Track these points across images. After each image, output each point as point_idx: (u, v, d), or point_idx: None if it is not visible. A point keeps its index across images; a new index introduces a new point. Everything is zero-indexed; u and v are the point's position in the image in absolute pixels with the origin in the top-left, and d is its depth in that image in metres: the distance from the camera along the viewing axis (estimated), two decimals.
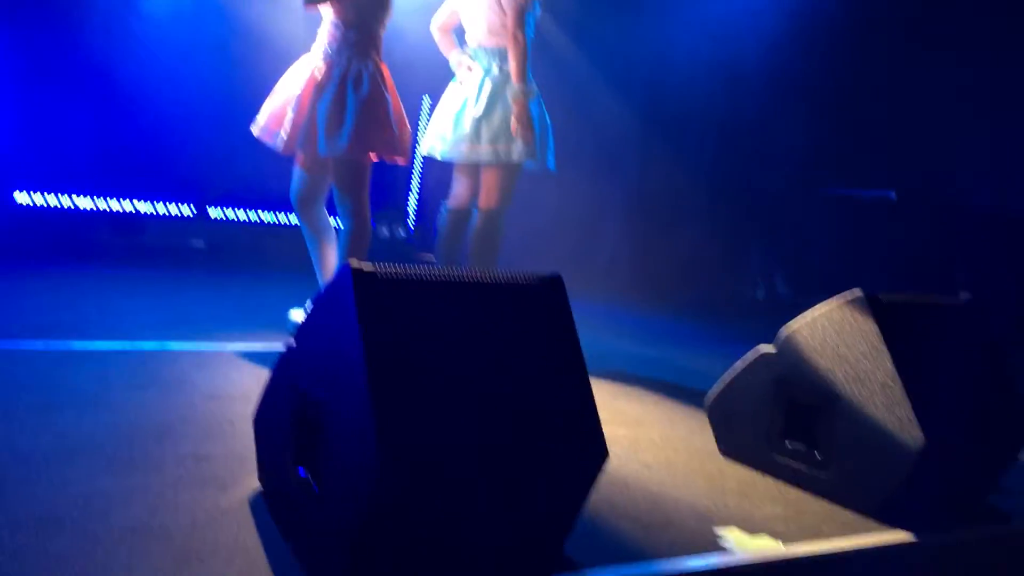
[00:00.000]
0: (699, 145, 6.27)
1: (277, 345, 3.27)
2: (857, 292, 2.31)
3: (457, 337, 1.80)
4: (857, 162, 5.96)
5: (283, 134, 3.27)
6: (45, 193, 5.21)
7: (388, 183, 6.29)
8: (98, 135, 5.15)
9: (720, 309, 5.80)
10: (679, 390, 3.39)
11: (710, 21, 5.89)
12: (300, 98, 3.26)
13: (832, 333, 2.31)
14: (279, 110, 3.33)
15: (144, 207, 5.53)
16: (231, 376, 2.82)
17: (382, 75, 3.31)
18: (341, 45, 3.25)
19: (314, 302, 1.97)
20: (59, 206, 5.25)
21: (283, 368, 2.00)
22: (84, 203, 5.31)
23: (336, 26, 3.27)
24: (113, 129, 5.17)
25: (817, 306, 2.38)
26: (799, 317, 2.41)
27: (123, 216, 5.47)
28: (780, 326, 2.44)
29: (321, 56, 3.29)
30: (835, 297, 2.35)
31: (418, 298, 1.80)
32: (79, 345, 2.96)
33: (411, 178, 6.49)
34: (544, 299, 1.95)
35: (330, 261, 3.49)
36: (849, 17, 5.80)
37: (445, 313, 1.82)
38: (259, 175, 5.16)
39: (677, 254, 6.16)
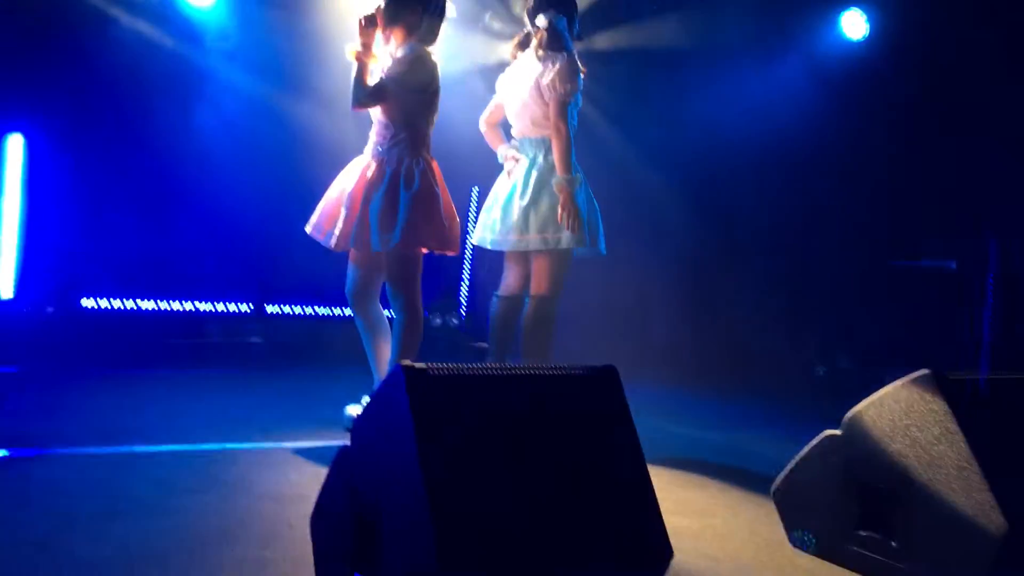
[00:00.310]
0: (751, 220, 6.23)
1: (335, 442, 3.27)
2: (924, 371, 2.23)
3: (512, 433, 1.78)
4: (916, 232, 5.85)
5: (336, 232, 3.35)
6: (111, 298, 5.39)
7: (440, 273, 6.36)
8: (159, 240, 5.33)
9: (781, 388, 5.66)
10: (743, 476, 3.29)
11: (755, 96, 5.93)
12: (352, 196, 3.35)
13: (901, 414, 2.23)
14: (332, 209, 3.42)
15: (204, 306, 5.67)
16: (290, 476, 2.82)
17: (432, 171, 3.39)
18: (391, 144, 3.35)
19: (369, 401, 1.97)
20: (123, 308, 5.42)
21: (339, 468, 1.99)
22: (147, 305, 5.47)
23: (386, 126, 3.37)
24: (173, 233, 5.36)
25: (885, 387, 2.31)
26: (866, 399, 2.33)
27: (184, 316, 5.61)
28: (844, 405, 2.37)
29: (372, 155, 3.39)
30: (903, 378, 2.28)
31: (471, 394, 1.79)
32: (141, 449, 3.00)
33: (463, 268, 6.56)
34: (599, 390, 1.93)
35: (385, 354, 3.52)
36: (907, 84, 5.79)
37: (499, 408, 1.80)
38: (315, 272, 5.27)
39: (733, 332, 6.06)
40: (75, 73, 5.09)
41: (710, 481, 3.20)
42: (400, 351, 3.39)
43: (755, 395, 5.39)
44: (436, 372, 1.73)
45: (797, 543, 2.46)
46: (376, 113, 3.41)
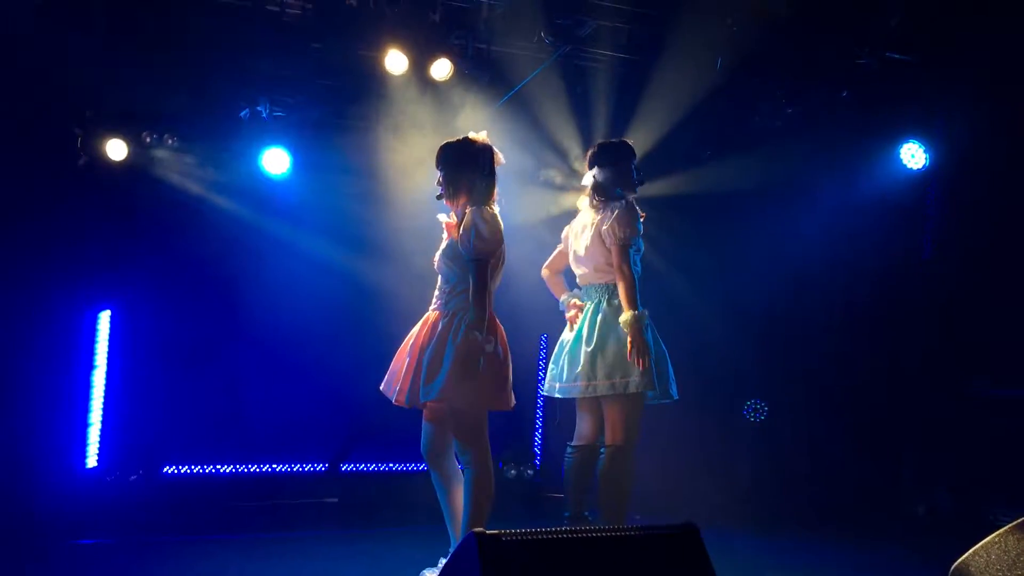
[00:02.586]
0: (826, 353, 6.08)
1: None
2: None
3: None
4: (1008, 358, 5.62)
5: (397, 386, 3.38)
6: (191, 465, 5.48)
7: (513, 423, 6.30)
8: (236, 406, 5.46)
9: (878, 532, 5.33)
10: None
11: (820, 225, 5.91)
12: (412, 349, 3.41)
13: (1010, 566, 2.06)
14: (398, 365, 3.47)
15: (280, 468, 5.71)
16: None
17: (493, 325, 3.41)
18: (450, 296, 3.41)
19: (442, 569, 1.91)
20: (202, 472, 5.50)
21: None
22: (225, 468, 5.54)
23: (447, 279, 3.45)
24: (250, 398, 5.48)
25: (992, 534, 2.15)
26: (972, 548, 2.17)
27: (260, 478, 5.65)
28: (948, 547, 2.20)
29: (434, 308, 3.45)
30: (1011, 523, 2.12)
31: (545, 558, 1.72)
32: None
33: (536, 417, 6.50)
34: (679, 549, 1.84)
35: (459, 508, 3.45)
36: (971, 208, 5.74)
37: (574, 572, 1.73)
38: (391, 428, 5.28)
39: (820, 472, 5.80)
40: (160, 249, 5.40)
41: None
42: (471, 509, 3.32)
43: (851, 540, 5.07)
44: (509, 538, 1.68)
45: None
46: (441, 266, 3.50)
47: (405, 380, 3.38)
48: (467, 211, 3.43)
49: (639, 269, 3.75)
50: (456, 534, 3.45)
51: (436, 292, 3.50)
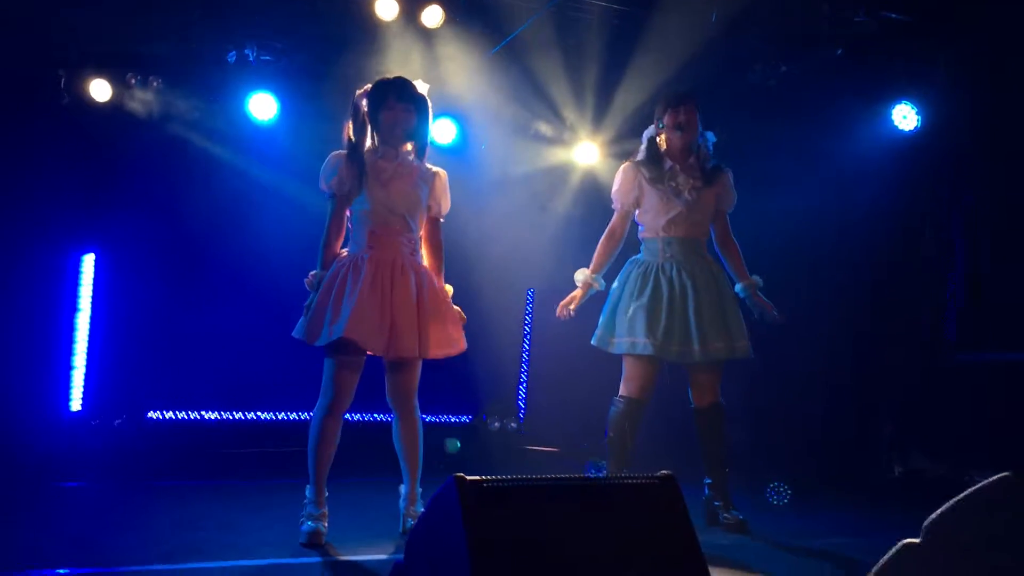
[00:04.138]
0: (810, 317, 6.10)
1: (392, 555, 3.21)
2: (1006, 474, 2.10)
3: (567, 545, 1.72)
4: (982, 324, 5.67)
5: (385, 338, 3.40)
6: (176, 411, 5.49)
7: (499, 377, 6.34)
8: (222, 352, 5.45)
9: (855, 490, 5.41)
10: None
11: (809, 184, 5.89)
12: (402, 302, 3.43)
13: (986, 521, 2.09)
14: (379, 316, 3.45)
15: (265, 415, 5.73)
16: None
17: None
18: (416, 246, 3.59)
19: (422, 513, 1.93)
20: (187, 418, 5.51)
21: None
22: (210, 415, 5.56)
23: (415, 229, 3.56)
24: (235, 345, 5.47)
25: (966, 491, 2.17)
26: (946, 504, 2.20)
27: (246, 425, 5.67)
28: (923, 507, 2.23)
29: (399, 256, 3.51)
30: (985, 481, 2.14)
31: (526, 506, 1.74)
32: (199, 566, 2.98)
33: (521, 371, 6.53)
34: (658, 499, 1.86)
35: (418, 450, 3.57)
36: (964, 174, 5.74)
37: (555, 521, 1.74)
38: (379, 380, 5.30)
39: (798, 433, 5.87)
40: (144, 193, 5.35)
41: None
42: (422, 452, 3.54)
43: (829, 498, 5.15)
44: (489, 484, 1.69)
45: None
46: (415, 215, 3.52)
47: (406, 332, 3.34)
48: (435, 170, 3.57)
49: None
50: (415, 474, 3.54)
51: (401, 239, 3.45)
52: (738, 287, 4.00)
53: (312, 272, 3.48)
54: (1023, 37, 5.22)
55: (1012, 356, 5.40)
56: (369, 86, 3.53)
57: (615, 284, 3.99)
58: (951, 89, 5.82)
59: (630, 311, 3.83)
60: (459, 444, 5.92)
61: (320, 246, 3.49)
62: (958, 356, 5.76)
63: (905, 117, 5.88)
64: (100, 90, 5.10)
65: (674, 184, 3.92)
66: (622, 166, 4.06)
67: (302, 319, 3.43)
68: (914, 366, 5.92)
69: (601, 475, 4.23)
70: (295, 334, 3.44)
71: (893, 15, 5.42)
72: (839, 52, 5.59)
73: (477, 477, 1.67)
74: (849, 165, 5.94)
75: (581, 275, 4.00)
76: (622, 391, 3.91)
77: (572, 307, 3.98)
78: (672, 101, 3.93)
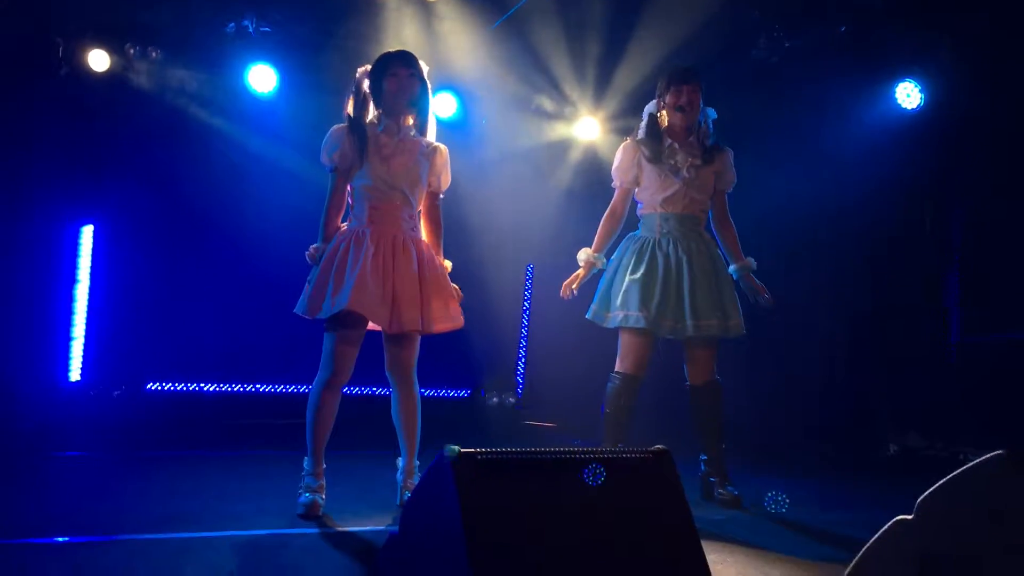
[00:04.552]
0: (811, 296, 6.10)
1: (389, 526, 3.23)
2: (999, 452, 2.11)
3: (562, 518, 1.73)
4: (982, 306, 5.67)
5: (386, 311, 3.40)
6: (175, 382, 5.51)
7: (497, 352, 6.35)
8: (222, 324, 5.47)
9: (851, 468, 5.44)
10: (810, 563, 3.13)
11: (811, 163, 5.86)
12: (403, 275, 3.43)
13: (980, 497, 2.10)
14: (380, 289, 3.45)
15: (265, 388, 5.75)
16: (342, 562, 2.77)
17: None
18: (416, 222, 3.58)
19: (417, 485, 1.94)
20: (186, 390, 5.53)
21: (388, 556, 1.95)
22: (209, 387, 5.58)
23: (414, 204, 3.54)
24: (235, 317, 5.49)
25: (960, 468, 2.18)
26: (940, 481, 2.21)
27: (245, 397, 5.70)
28: (917, 485, 2.24)
29: (396, 229, 3.51)
30: (979, 458, 2.15)
31: (520, 480, 1.75)
32: (197, 535, 2.99)
33: (520, 346, 6.54)
34: (653, 473, 1.87)
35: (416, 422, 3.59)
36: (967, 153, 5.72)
37: (549, 493, 1.75)
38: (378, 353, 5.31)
39: (799, 409, 5.89)
40: (143, 164, 5.33)
41: (774, 569, 3.04)
42: (420, 425, 3.54)
43: (824, 473, 5.18)
44: (484, 457, 1.69)
45: None
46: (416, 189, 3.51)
47: (408, 306, 3.34)
48: (436, 145, 3.54)
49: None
50: (412, 448, 3.55)
51: (401, 214, 3.44)
52: (732, 268, 3.99)
53: (313, 246, 3.47)
54: None
55: (1009, 336, 5.41)
56: (370, 65, 3.51)
57: (612, 259, 3.99)
58: (955, 67, 5.78)
59: (624, 285, 3.83)
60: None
61: (321, 220, 3.49)
62: (955, 336, 5.77)
63: (908, 95, 5.85)
64: (99, 60, 5.07)
65: (673, 162, 3.91)
66: (622, 144, 4.04)
67: (303, 294, 3.43)
68: (911, 345, 5.93)
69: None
70: (297, 310, 3.44)
71: None
72: (843, 29, 5.55)
73: (471, 450, 1.68)
74: (852, 142, 5.91)
75: (583, 255, 4.00)
76: (618, 367, 3.92)
77: (575, 287, 3.98)
78: (675, 80, 3.90)
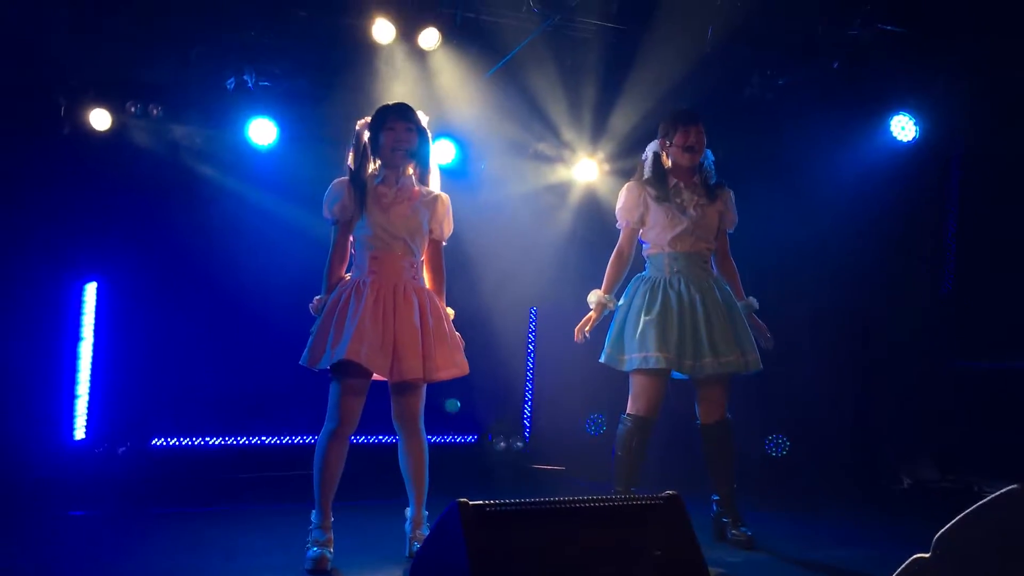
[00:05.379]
0: (812, 323, 6.08)
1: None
2: (1014, 486, 2.08)
3: (572, 566, 1.70)
4: (989, 333, 5.65)
5: (388, 361, 3.40)
6: (180, 437, 5.48)
7: (503, 396, 6.32)
8: (224, 378, 5.46)
9: (863, 502, 5.37)
10: None
11: (809, 198, 5.88)
12: (404, 323, 3.44)
13: (997, 535, 2.07)
14: (380, 338, 3.44)
15: (270, 440, 5.71)
16: None
17: None
18: (418, 271, 3.60)
19: (427, 536, 1.92)
20: (191, 444, 5.50)
21: None
22: (214, 441, 5.55)
23: (416, 253, 3.57)
24: (237, 371, 5.47)
25: (977, 504, 2.15)
26: (957, 517, 2.17)
27: (250, 450, 5.66)
28: (931, 519, 2.21)
29: (399, 279, 3.53)
30: (995, 493, 2.12)
31: (529, 530, 1.73)
32: None
33: (526, 390, 6.51)
34: (663, 519, 1.84)
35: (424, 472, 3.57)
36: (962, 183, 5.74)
37: (558, 543, 1.73)
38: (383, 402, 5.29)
39: (804, 444, 5.83)
40: (145, 220, 5.36)
41: None
42: (427, 474, 3.54)
43: (836, 509, 5.11)
44: (492, 508, 1.68)
45: None
46: (416, 238, 3.52)
47: (410, 354, 3.34)
48: (436, 193, 3.58)
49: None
50: (420, 497, 3.54)
51: (403, 263, 3.46)
52: None
53: (317, 297, 3.50)
54: (1020, 47, 5.23)
55: (1013, 365, 5.38)
56: (369, 118, 3.56)
57: (621, 301, 3.98)
58: (949, 99, 5.83)
59: (640, 327, 3.80)
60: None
61: (324, 272, 3.53)
62: (960, 365, 5.74)
63: (903, 128, 5.89)
64: (100, 119, 5.13)
65: (679, 200, 3.93)
66: (626, 184, 4.06)
67: (307, 345, 3.44)
68: (918, 375, 5.89)
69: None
70: (301, 361, 3.45)
71: (889, 27, 5.44)
72: (836, 64, 5.60)
73: (479, 502, 1.66)
74: (848, 176, 5.94)
75: (594, 297, 3.99)
76: (630, 408, 3.89)
77: (587, 330, 3.97)
78: (683, 121, 3.93)
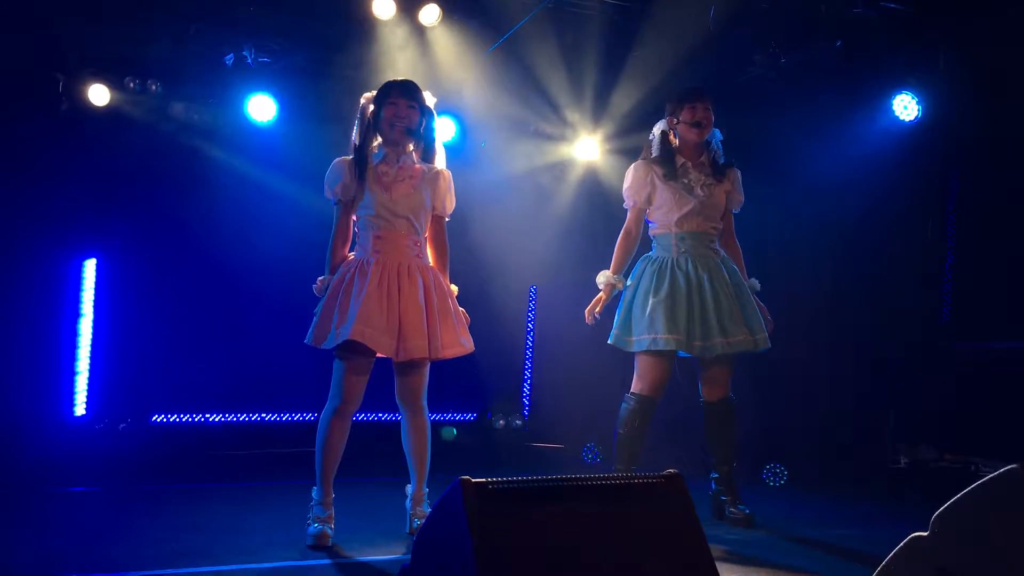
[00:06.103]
0: (812, 305, 6.08)
1: (400, 555, 3.21)
2: (1013, 466, 2.09)
3: (574, 547, 1.71)
4: (990, 313, 5.65)
5: (394, 340, 3.38)
6: (180, 414, 5.50)
7: (503, 375, 6.33)
8: (226, 355, 5.47)
9: (861, 481, 5.40)
10: None
11: (812, 178, 5.87)
12: (408, 302, 3.42)
13: (996, 514, 2.08)
14: (385, 317, 3.44)
15: (272, 417, 5.73)
16: None
17: None
18: (421, 249, 3.57)
19: (428, 515, 1.92)
20: (192, 421, 5.52)
21: None
22: (215, 418, 5.57)
23: (419, 231, 3.55)
24: (239, 348, 5.48)
25: (975, 483, 2.16)
26: (955, 496, 2.19)
27: (252, 427, 5.68)
28: (930, 498, 2.22)
29: (402, 256, 3.52)
30: (993, 473, 2.13)
31: (531, 508, 1.73)
32: (207, 569, 2.97)
33: (525, 368, 6.52)
34: (664, 498, 1.85)
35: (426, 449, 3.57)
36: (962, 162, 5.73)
37: (560, 521, 1.74)
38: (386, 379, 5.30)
39: (803, 425, 5.85)
40: (144, 197, 5.35)
41: None
42: (430, 450, 3.54)
43: (832, 489, 5.14)
44: (495, 486, 1.68)
45: None
46: (419, 215, 3.51)
47: (415, 334, 3.34)
48: (438, 169, 3.55)
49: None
50: (422, 475, 3.54)
51: (407, 242, 3.44)
52: None
53: (320, 278, 3.49)
54: (1021, 24, 5.20)
55: (1012, 344, 5.39)
56: (374, 92, 3.53)
57: (628, 282, 3.96)
58: (952, 78, 5.80)
59: (648, 307, 3.79)
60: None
61: (327, 252, 3.51)
62: (960, 344, 5.75)
63: (906, 107, 5.86)
64: (99, 95, 5.10)
65: (687, 180, 3.91)
66: (633, 164, 4.04)
67: (311, 324, 3.44)
68: (918, 355, 5.90)
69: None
70: (306, 340, 3.44)
71: (892, 5, 5.40)
72: (839, 44, 5.56)
73: (482, 479, 1.67)
74: (850, 155, 5.91)
75: (603, 278, 3.97)
76: (635, 388, 3.88)
77: (598, 311, 3.95)
78: (690, 97, 3.90)
